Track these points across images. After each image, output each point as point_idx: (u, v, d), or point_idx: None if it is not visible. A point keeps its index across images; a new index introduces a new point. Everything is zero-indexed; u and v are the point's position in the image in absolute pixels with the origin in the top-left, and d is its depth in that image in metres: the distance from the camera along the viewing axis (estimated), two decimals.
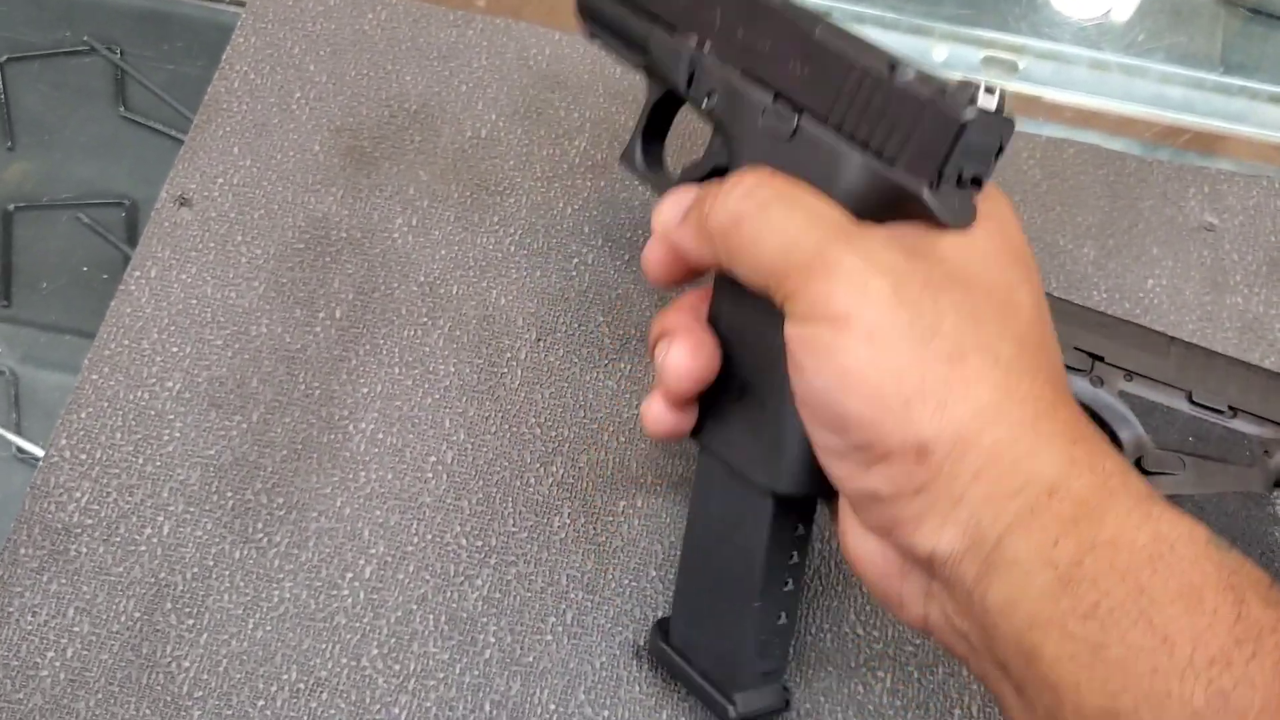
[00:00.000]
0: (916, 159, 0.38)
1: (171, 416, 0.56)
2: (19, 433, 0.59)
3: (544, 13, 0.69)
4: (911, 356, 0.36)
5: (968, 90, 0.38)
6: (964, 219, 0.39)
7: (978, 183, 0.39)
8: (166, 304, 0.58)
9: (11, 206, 0.65)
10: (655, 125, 0.51)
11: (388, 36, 0.66)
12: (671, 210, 0.44)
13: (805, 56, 0.41)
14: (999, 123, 0.38)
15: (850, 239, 0.38)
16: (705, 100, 0.45)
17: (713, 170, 0.46)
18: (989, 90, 0.38)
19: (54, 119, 0.68)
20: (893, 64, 0.39)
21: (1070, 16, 0.77)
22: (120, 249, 0.64)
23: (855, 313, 0.36)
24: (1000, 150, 0.39)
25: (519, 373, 0.58)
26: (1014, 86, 0.74)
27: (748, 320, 0.43)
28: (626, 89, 0.66)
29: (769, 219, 0.39)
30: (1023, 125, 0.70)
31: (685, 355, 0.44)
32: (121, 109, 0.68)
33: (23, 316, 0.64)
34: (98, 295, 0.63)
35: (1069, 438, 0.36)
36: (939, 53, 0.75)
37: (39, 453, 0.58)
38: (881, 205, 0.39)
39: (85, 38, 0.69)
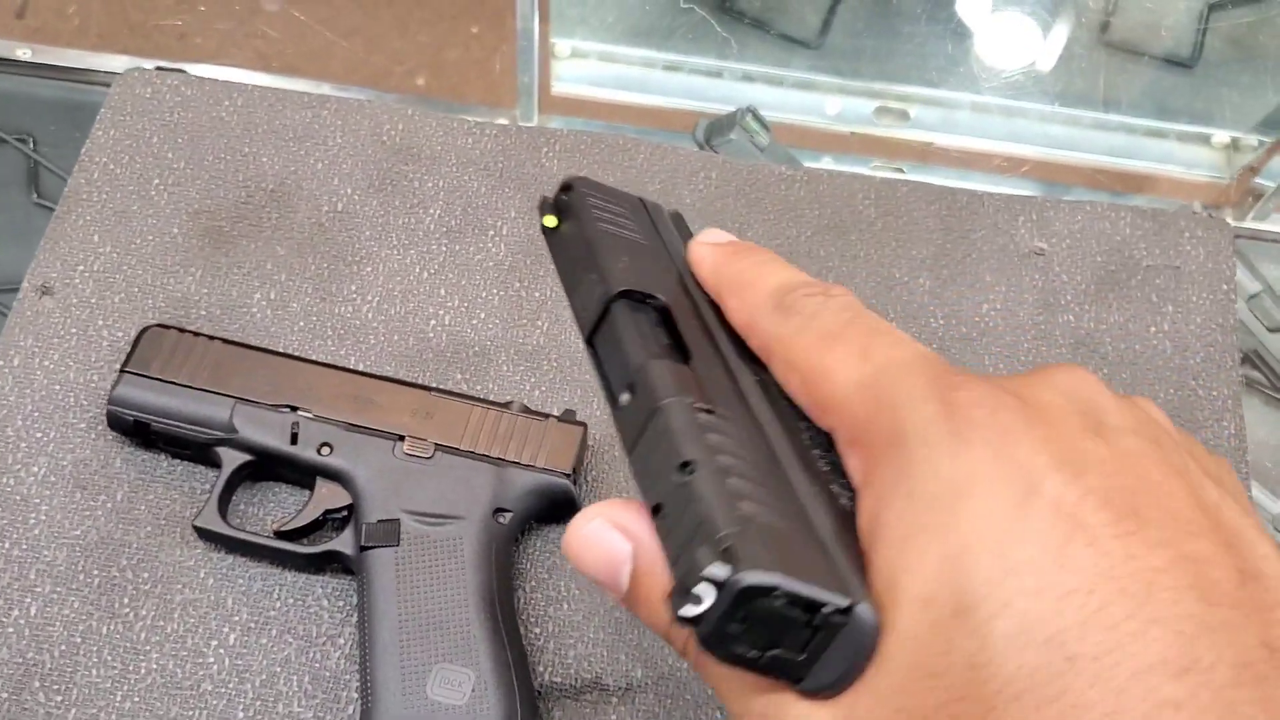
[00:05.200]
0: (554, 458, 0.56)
1: (37, 500, 0.57)
2: None
3: (482, 91, 0.74)
4: None
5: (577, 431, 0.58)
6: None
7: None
8: (30, 391, 0.60)
9: None
10: (230, 489, 0.57)
11: (244, 121, 0.69)
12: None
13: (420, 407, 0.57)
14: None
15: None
16: (318, 454, 0.56)
17: (326, 512, 0.55)
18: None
19: None
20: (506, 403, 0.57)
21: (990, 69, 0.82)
22: None
23: None
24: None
25: None
26: (905, 134, 0.80)
27: None
28: (479, 157, 0.69)
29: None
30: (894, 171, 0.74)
31: None
32: (35, 196, 0.71)
33: None
34: None
35: None
36: (832, 105, 0.79)
37: None
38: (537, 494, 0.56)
39: None
